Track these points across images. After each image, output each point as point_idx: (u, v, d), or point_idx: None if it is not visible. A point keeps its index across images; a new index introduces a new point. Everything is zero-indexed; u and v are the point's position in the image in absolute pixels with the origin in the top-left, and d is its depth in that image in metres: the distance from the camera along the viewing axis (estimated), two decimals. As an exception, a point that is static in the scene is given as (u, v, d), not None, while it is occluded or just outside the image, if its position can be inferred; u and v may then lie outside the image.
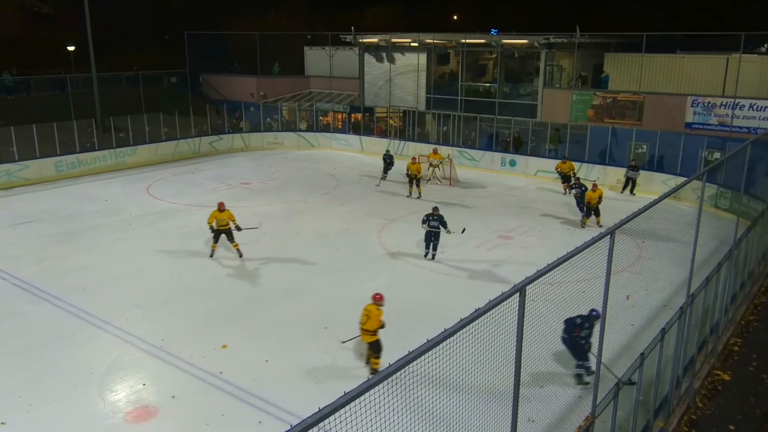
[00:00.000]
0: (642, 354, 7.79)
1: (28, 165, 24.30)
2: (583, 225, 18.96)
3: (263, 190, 23.62)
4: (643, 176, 23.38)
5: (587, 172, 24.60)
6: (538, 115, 26.89)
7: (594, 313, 9.41)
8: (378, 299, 10.66)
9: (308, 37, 39.15)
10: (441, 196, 22.93)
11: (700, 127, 23.02)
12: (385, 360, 9.76)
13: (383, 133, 31.88)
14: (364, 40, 31.21)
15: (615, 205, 19.69)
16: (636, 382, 7.52)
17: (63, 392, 10.05)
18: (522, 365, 5.13)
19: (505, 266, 15.57)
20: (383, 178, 24.43)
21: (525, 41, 27.52)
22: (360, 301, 13.63)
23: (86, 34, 29.53)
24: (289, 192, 23.40)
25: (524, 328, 5.02)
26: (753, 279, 14.07)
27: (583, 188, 19.37)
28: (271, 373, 10.65)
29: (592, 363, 9.36)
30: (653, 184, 22.39)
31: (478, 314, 4.39)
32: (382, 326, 10.37)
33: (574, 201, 20.03)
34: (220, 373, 10.60)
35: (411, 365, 3.83)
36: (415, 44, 29.82)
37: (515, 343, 5.06)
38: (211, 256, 16.11)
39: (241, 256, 16.07)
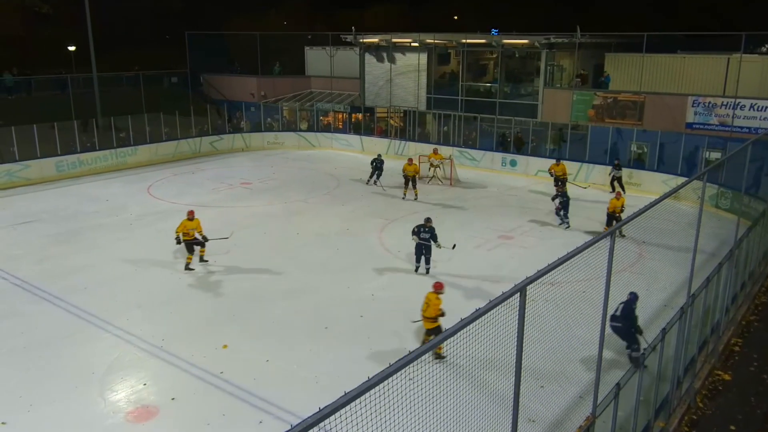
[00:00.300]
0: (642, 354, 7.79)
1: (29, 165, 24.33)
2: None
3: (264, 190, 23.63)
4: (644, 176, 23.39)
5: (587, 173, 24.61)
6: (539, 115, 26.88)
7: (632, 296, 10.30)
8: (438, 287, 11.01)
9: (309, 37, 39.19)
10: (441, 196, 22.94)
11: (701, 127, 23.00)
12: (385, 360, 9.73)
13: (384, 133, 31.88)
14: (364, 40, 31.22)
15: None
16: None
17: (63, 392, 10.06)
18: (522, 365, 5.12)
19: (505, 266, 15.57)
20: (375, 183, 23.95)
21: (525, 41, 27.52)
22: (360, 301, 13.72)
23: (87, 34, 29.55)
24: (289, 192, 23.40)
25: (524, 328, 5.01)
26: (754, 279, 14.06)
27: (567, 197, 18.96)
28: (272, 373, 10.65)
29: (642, 342, 9.93)
30: (654, 184, 22.38)
31: (479, 314, 4.40)
32: (442, 314, 10.69)
33: (583, 198, 19.60)
34: (221, 373, 10.60)
35: (411, 365, 3.83)
36: (416, 44, 29.82)
37: (515, 343, 5.06)
38: (187, 267, 15.18)
39: (205, 261, 15.42)
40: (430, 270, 15.08)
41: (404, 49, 30.45)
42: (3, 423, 9.27)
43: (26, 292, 14.08)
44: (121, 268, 15.48)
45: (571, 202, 19.16)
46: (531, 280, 4.94)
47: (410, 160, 22.95)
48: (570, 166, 24.91)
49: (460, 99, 29.07)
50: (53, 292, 13.93)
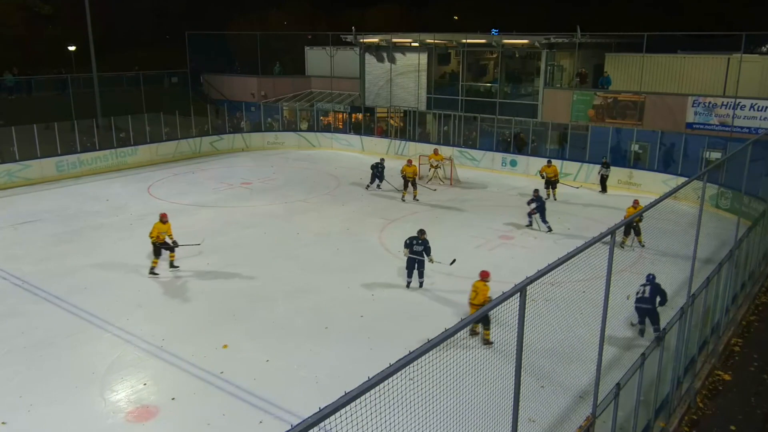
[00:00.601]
0: (643, 354, 7.79)
1: (30, 165, 24.33)
2: (622, 245, 16.37)
3: (264, 190, 23.64)
4: (644, 176, 23.38)
5: (588, 173, 24.61)
6: (539, 115, 26.88)
7: (650, 277, 11.20)
8: (485, 276, 11.27)
9: (309, 37, 39.20)
10: (442, 196, 22.94)
11: (701, 127, 22.99)
12: (385, 360, 9.74)
13: (384, 134, 31.88)
14: (364, 40, 31.21)
15: (612, 202, 19.69)
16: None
17: (64, 392, 10.06)
18: (521, 365, 5.13)
19: (505, 266, 15.56)
20: (378, 186, 23.70)
21: (526, 41, 27.51)
22: (360, 301, 13.72)
23: (87, 34, 29.57)
24: (289, 192, 23.41)
25: (524, 328, 5.02)
26: (754, 279, 14.07)
27: (542, 202, 18.65)
28: (272, 373, 10.66)
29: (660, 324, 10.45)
30: (654, 184, 22.38)
31: (479, 314, 4.40)
32: (490, 301, 10.67)
33: (572, 200, 19.62)
34: (221, 373, 10.61)
35: (411, 365, 3.84)
36: (416, 44, 29.81)
37: (515, 343, 5.06)
38: (152, 271, 14.82)
39: (175, 267, 15.09)
40: (424, 284, 14.22)
41: (404, 49, 30.44)
42: (3, 423, 9.27)
43: (27, 291, 14.09)
44: (121, 268, 15.48)
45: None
46: (531, 280, 4.95)
47: (409, 161, 22.92)
48: (570, 167, 24.99)
49: (460, 99, 29.06)
50: (54, 292, 13.94)
